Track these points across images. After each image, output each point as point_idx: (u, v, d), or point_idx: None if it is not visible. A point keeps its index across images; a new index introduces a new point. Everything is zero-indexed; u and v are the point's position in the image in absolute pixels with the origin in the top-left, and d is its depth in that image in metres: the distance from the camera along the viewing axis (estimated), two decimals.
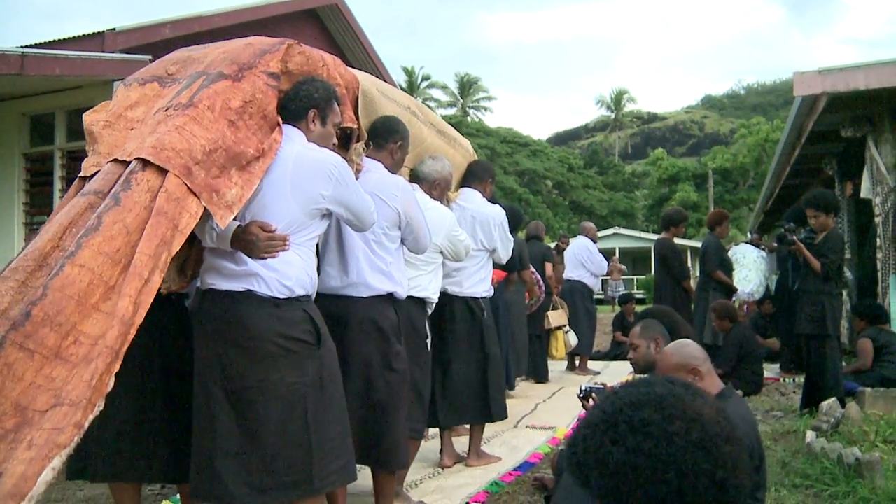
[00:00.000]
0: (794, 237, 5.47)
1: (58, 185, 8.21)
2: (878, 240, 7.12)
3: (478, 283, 4.32)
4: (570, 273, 8.62)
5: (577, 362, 8.58)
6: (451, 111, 58.81)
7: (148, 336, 2.69)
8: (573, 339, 7.93)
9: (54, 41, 8.19)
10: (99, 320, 2.10)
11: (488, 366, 4.30)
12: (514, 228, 5.27)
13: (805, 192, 8.26)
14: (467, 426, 4.52)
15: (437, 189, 3.93)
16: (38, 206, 8.54)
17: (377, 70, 12.23)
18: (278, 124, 2.69)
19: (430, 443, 4.74)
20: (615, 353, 10.13)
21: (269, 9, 10.43)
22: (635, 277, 32.25)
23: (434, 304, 3.87)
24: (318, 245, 3.02)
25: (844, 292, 7.51)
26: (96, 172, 2.55)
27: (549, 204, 43.92)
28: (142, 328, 2.65)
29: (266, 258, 2.54)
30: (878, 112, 7.08)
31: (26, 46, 7.22)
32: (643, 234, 36.15)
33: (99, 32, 8.03)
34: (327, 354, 2.69)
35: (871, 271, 8.18)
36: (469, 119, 55.62)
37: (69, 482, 4.23)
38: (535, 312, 7.50)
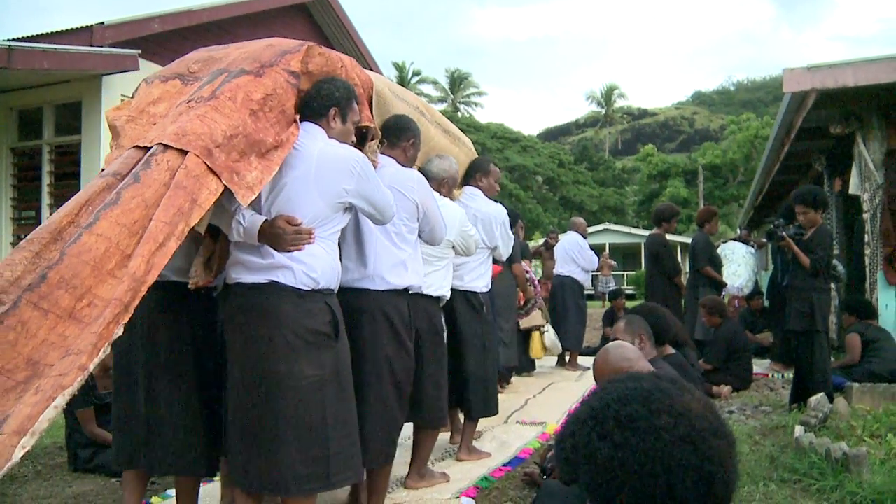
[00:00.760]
0: (784, 233, 5.49)
1: (46, 179, 8.17)
2: (865, 236, 7.16)
3: (477, 277, 4.42)
4: (560, 269, 8.63)
5: (567, 358, 8.59)
6: (441, 106, 58.61)
7: (178, 328, 2.84)
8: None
9: (42, 35, 8.12)
10: (113, 285, 2.15)
11: (486, 360, 4.36)
12: (510, 227, 5.30)
13: (794, 188, 8.27)
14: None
15: (445, 187, 4.05)
16: (26, 201, 8.49)
17: (367, 65, 12.18)
18: (295, 121, 2.78)
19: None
20: None
21: (258, 3, 10.38)
22: (625, 273, 32.35)
23: (446, 300, 3.97)
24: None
25: (833, 287, 7.54)
26: None
27: (539, 199, 43.94)
28: (171, 321, 2.82)
29: (293, 251, 2.62)
30: (867, 109, 7.11)
31: (13, 40, 7.15)
32: (633, 230, 36.25)
33: (87, 26, 7.97)
34: (342, 349, 2.77)
35: (858, 267, 8.23)
36: (459, 114, 55.54)
37: (58, 479, 4.22)
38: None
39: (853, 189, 7.34)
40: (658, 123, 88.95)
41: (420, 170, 3.96)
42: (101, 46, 7.73)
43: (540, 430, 5.14)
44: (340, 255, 3.28)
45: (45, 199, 8.10)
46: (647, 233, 8.63)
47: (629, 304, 9.69)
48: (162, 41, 8.74)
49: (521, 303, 7.34)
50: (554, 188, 47.51)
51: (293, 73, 2.79)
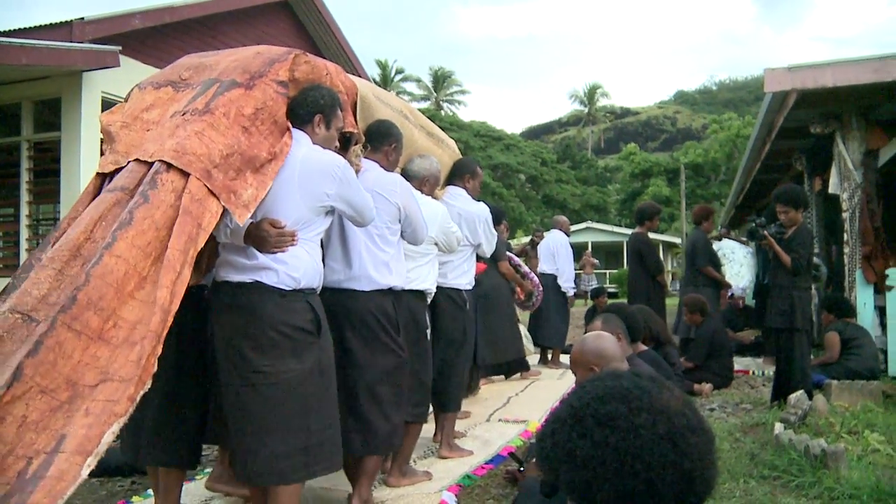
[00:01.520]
0: (765, 232, 5.53)
1: (24, 176, 8.07)
2: (845, 235, 7.23)
3: (460, 275, 4.48)
4: (543, 267, 8.64)
5: (549, 355, 8.60)
6: (424, 105, 58.57)
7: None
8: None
9: (20, 29, 8.02)
10: (134, 307, 2.32)
11: (463, 356, 4.45)
12: (495, 225, 5.32)
13: (775, 187, 8.33)
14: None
15: (427, 186, 4.12)
16: (4, 198, 8.39)
17: (350, 63, 12.16)
18: (288, 129, 2.89)
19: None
20: None
21: (240, 0, 10.31)
22: (608, 271, 32.46)
23: (432, 295, 4.06)
24: (321, 241, 3.16)
25: (814, 286, 7.61)
26: (116, 170, 2.74)
27: (522, 198, 43.88)
28: None
29: (276, 252, 2.73)
30: (846, 109, 7.18)
31: None
32: (616, 229, 36.41)
33: (67, 22, 7.87)
34: (325, 345, 2.87)
35: (838, 266, 8.30)
36: (443, 113, 55.42)
37: None
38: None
39: (833, 188, 7.41)
40: (640, 122, 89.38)
41: (402, 169, 4.06)
42: (82, 42, 7.64)
43: (522, 428, 5.15)
44: (326, 257, 3.39)
45: (24, 196, 8.00)
46: (629, 231, 8.67)
47: (611, 303, 9.73)
48: (143, 37, 8.67)
49: (523, 297, 7.35)
50: (537, 187, 47.51)
51: (281, 82, 2.91)
